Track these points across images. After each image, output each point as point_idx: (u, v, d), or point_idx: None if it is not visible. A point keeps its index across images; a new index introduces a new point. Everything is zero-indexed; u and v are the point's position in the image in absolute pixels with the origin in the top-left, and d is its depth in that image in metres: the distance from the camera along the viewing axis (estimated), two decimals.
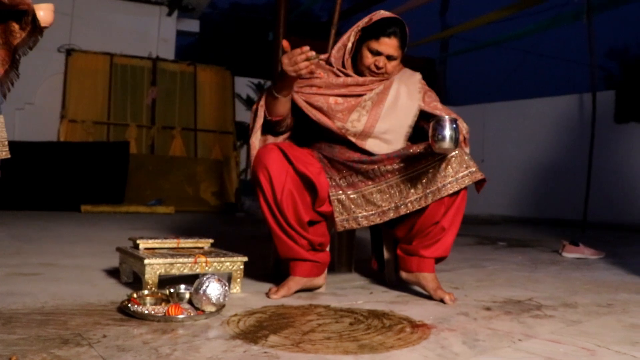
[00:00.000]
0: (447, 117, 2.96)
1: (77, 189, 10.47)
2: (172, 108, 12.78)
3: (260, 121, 3.54)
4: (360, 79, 3.51)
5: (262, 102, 3.52)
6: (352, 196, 3.44)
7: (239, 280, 3.37)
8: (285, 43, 3.20)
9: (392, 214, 3.35)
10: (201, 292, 2.77)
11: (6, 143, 2.76)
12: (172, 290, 3.00)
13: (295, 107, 3.55)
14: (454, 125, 2.94)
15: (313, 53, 3.13)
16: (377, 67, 3.48)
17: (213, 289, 2.77)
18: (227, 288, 2.85)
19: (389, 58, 3.46)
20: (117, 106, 12.37)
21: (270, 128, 3.62)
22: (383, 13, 3.51)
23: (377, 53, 3.46)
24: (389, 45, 3.42)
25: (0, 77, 2.99)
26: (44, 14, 2.56)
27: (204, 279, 2.82)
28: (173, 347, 2.19)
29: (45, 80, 11.82)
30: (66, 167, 10.57)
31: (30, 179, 10.17)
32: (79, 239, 6.08)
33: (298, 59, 3.12)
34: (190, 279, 3.17)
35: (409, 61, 3.79)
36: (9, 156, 2.80)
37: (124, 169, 11.15)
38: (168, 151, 12.58)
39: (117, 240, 5.02)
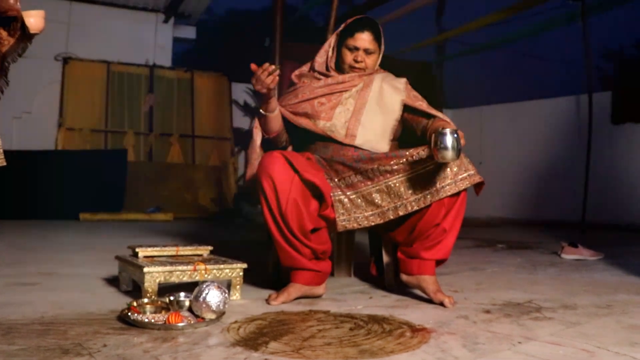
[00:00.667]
0: (448, 129, 3.01)
1: (75, 198, 10.44)
2: (170, 115, 12.78)
3: (257, 143, 3.71)
4: (340, 77, 3.72)
5: (256, 124, 3.71)
6: (352, 197, 3.47)
7: (238, 287, 3.38)
8: (252, 66, 3.35)
9: (391, 215, 3.38)
10: (201, 299, 2.78)
11: (1, 151, 2.76)
12: (171, 298, 3.00)
13: (285, 119, 3.70)
14: (456, 135, 2.99)
15: (273, 67, 3.31)
16: (357, 62, 3.70)
17: (213, 297, 2.77)
18: (226, 295, 2.85)
19: (367, 52, 3.71)
20: (115, 114, 12.35)
21: (272, 147, 3.72)
22: (356, 16, 3.80)
23: (354, 48, 3.70)
24: (363, 39, 3.68)
25: None
26: (34, 20, 2.56)
27: (204, 286, 2.82)
28: (174, 355, 2.20)
29: (42, 89, 11.81)
30: (64, 175, 10.56)
31: (28, 188, 10.21)
32: (78, 247, 6.09)
33: (262, 77, 3.30)
34: (189, 287, 3.18)
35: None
36: (5, 164, 2.80)
37: (122, 176, 11.16)
38: (166, 158, 12.58)
39: (117, 249, 5.01)
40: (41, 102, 11.83)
